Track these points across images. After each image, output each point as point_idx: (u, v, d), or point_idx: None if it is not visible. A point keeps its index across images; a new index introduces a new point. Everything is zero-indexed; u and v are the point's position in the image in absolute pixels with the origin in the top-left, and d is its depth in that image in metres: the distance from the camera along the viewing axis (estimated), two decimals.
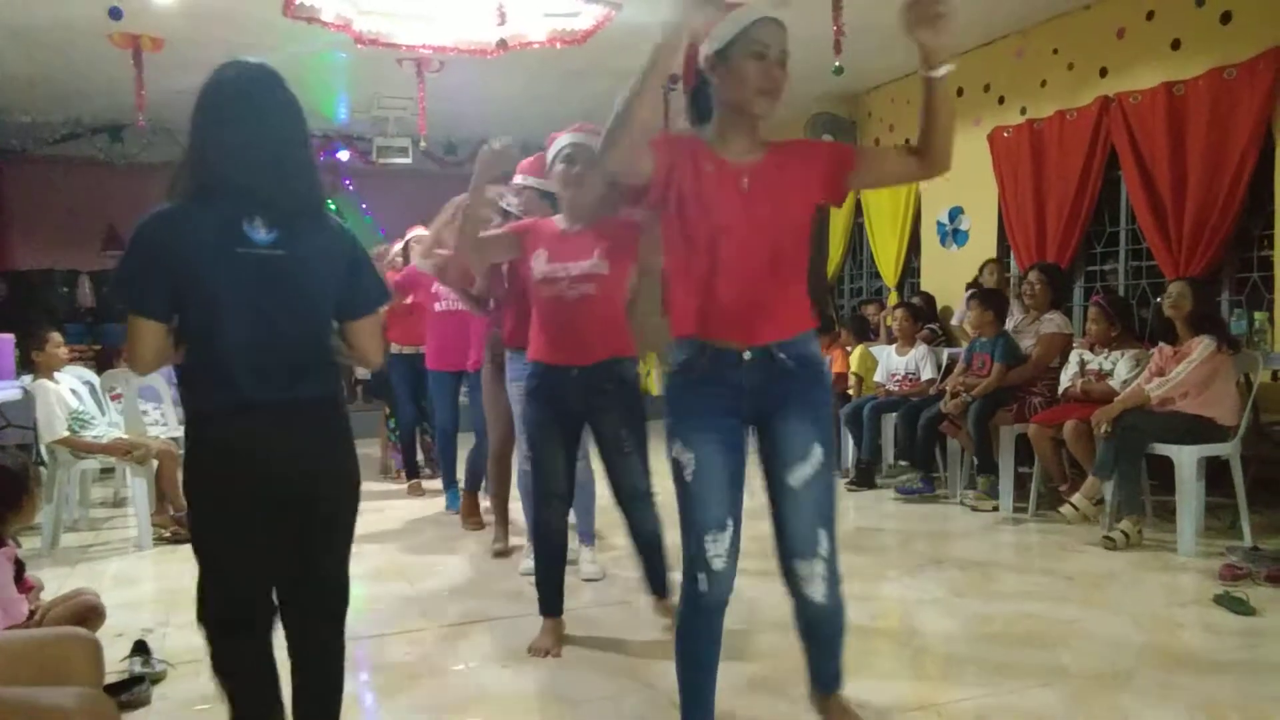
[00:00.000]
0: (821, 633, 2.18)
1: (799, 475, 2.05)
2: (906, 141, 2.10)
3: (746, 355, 2.05)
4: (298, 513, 1.91)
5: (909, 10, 1.85)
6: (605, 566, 3.97)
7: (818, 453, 2.07)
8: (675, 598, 3.15)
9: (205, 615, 1.92)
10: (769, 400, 2.08)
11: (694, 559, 2.04)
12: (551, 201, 3.29)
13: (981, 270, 6.51)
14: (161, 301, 1.82)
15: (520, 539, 4.49)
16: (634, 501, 3.00)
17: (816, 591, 2.07)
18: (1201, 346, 4.19)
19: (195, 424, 1.91)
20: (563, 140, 3.01)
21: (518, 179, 3.69)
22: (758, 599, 3.37)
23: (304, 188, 1.91)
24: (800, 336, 2.09)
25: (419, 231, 5.78)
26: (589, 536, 3.94)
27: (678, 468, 2.06)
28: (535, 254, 2.96)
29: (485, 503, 4.72)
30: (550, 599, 3.09)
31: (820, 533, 2.06)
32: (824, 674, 2.27)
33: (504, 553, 4.27)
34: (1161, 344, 4.48)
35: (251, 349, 1.84)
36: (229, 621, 1.93)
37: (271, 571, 1.94)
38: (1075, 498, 4.36)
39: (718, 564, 2.03)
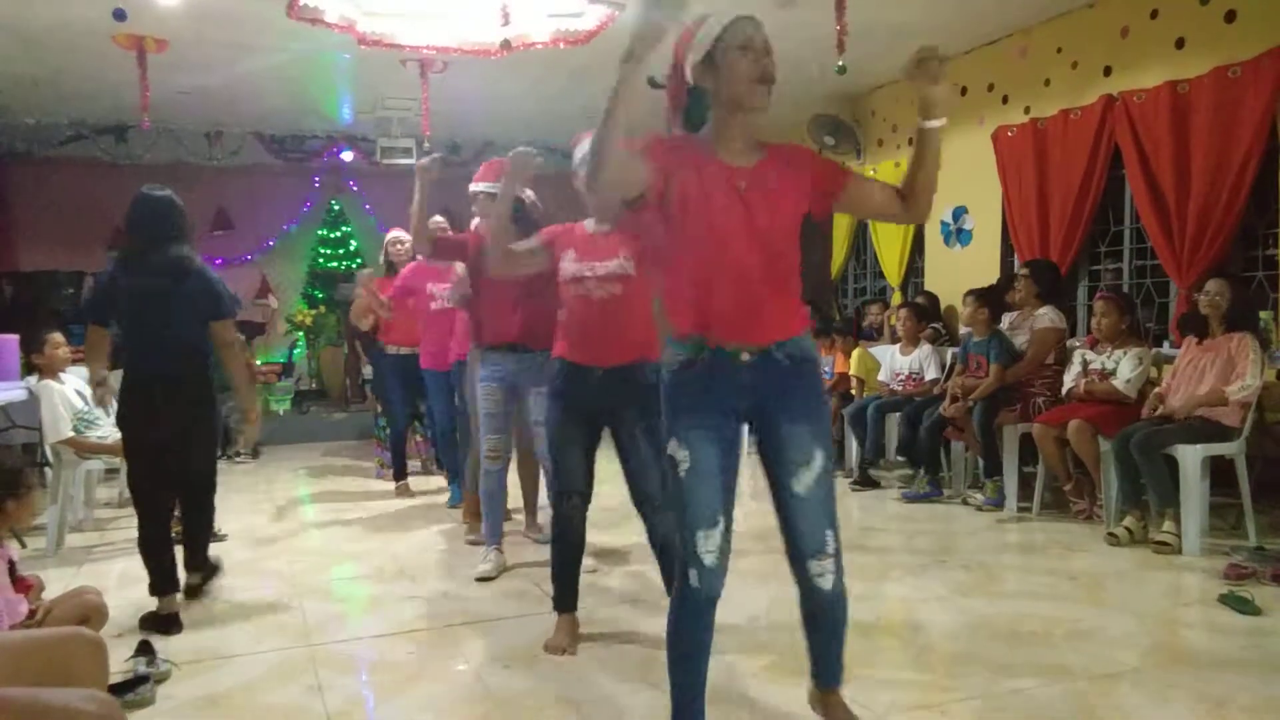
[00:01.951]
0: (828, 619, 2.23)
1: (804, 481, 2.10)
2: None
3: (745, 356, 2.08)
4: (182, 433, 3.40)
5: (914, 66, 1.99)
6: (605, 567, 3.99)
7: (819, 456, 2.13)
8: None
9: (131, 484, 3.53)
10: (768, 399, 2.11)
11: (687, 555, 2.08)
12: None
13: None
14: (109, 316, 3.44)
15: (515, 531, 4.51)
16: (647, 506, 3.00)
17: (825, 583, 2.15)
18: (1252, 347, 4.17)
19: (128, 385, 3.39)
20: (588, 144, 2.99)
21: (474, 186, 3.89)
22: (759, 593, 3.37)
23: (184, 248, 3.42)
24: (796, 336, 2.14)
25: (397, 233, 5.85)
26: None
27: (673, 464, 2.09)
28: (564, 254, 3.00)
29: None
30: (566, 595, 3.11)
31: (828, 534, 2.14)
32: (827, 665, 2.29)
33: (476, 543, 4.35)
34: (1191, 337, 4.47)
35: (157, 341, 3.35)
36: (142, 478, 3.44)
37: (163, 461, 3.40)
38: (1128, 523, 4.24)
39: (709, 560, 2.06)
